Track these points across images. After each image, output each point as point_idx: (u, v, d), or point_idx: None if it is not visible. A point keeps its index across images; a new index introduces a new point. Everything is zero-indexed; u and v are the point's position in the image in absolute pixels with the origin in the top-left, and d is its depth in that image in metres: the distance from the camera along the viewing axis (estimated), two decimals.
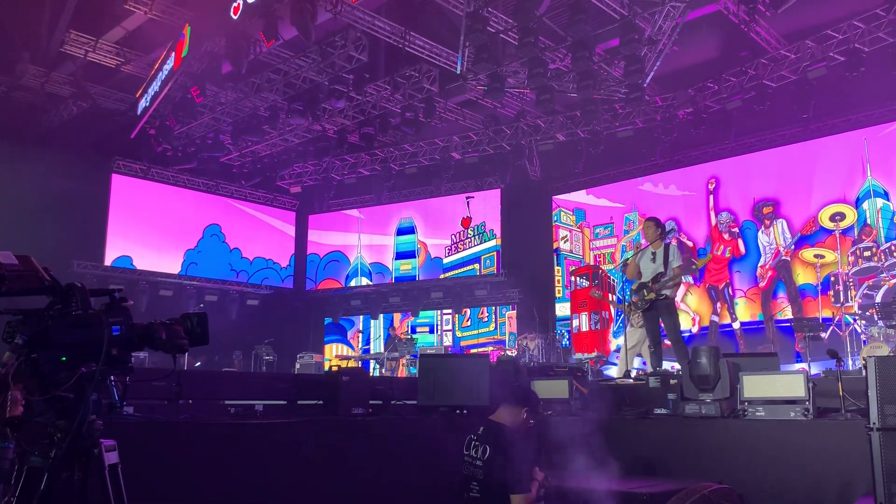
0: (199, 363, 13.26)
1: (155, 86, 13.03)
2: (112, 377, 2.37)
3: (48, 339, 2.16)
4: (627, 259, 8.61)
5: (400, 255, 18.44)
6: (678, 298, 8.75)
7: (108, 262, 15.77)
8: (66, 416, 2.21)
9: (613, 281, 14.61)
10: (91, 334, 2.23)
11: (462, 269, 17.49)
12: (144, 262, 16.33)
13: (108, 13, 12.64)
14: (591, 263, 15.67)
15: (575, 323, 13.45)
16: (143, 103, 13.53)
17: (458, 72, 12.57)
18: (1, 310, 2.16)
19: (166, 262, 16.79)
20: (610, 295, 13.50)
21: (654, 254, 8.03)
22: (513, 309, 16.67)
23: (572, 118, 14.96)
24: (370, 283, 18.64)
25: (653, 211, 14.70)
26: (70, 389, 2.20)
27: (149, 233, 16.54)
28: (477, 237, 17.49)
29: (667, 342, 8.14)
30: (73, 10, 12.40)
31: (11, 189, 13.45)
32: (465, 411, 6.49)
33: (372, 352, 17.21)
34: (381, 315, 18.18)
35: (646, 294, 7.91)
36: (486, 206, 17.42)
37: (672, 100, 14.10)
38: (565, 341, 14.83)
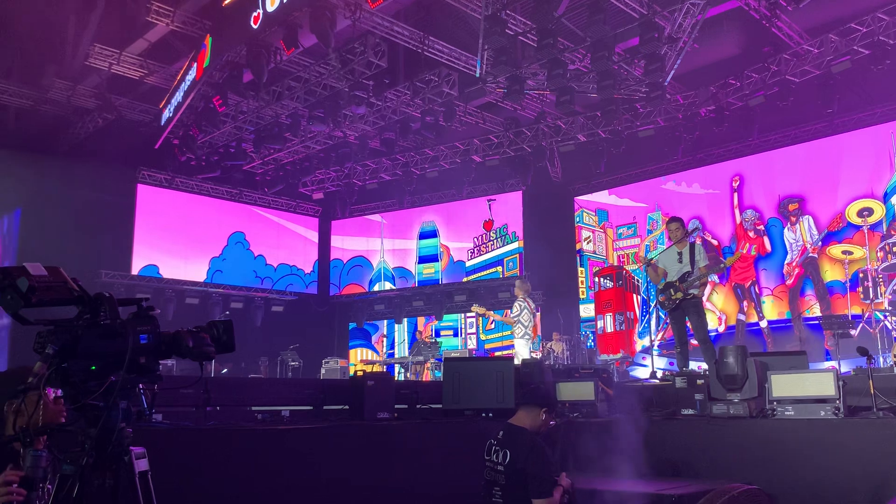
0: (225, 370, 13.39)
1: (178, 96, 13.20)
2: (141, 385, 2.40)
3: (78, 348, 2.20)
4: (651, 259, 8.56)
5: (423, 259, 18.47)
6: (703, 298, 8.69)
7: (135, 271, 15.97)
8: (97, 424, 2.25)
9: (637, 281, 14.50)
10: (119, 343, 2.26)
11: (485, 272, 17.48)
12: (170, 270, 16.51)
13: (130, 26, 12.84)
14: (615, 264, 15.58)
15: (599, 324, 13.37)
16: (166, 114, 13.71)
17: (478, 75, 12.58)
18: (32, 321, 2.20)
19: (192, 270, 16.97)
20: (635, 296, 13.39)
21: (679, 253, 7.97)
22: (537, 311, 16.60)
23: (593, 118, 14.90)
24: (393, 287, 18.69)
25: (676, 210, 14.59)
26: (100, 398, 2.23)
27: (174, 242, 16.73)
28: (499, 240, 17.48)
29: (693, 342, 8.07)
30: (97, 24, 12.61)
31: (40, 201, 13.69)
32: (490, 414, 6.48)
33: (396, 356, 17.25)
34: (405, 319, 18.21)
35: (672, 294, 7.85)
36: (508, 209, 17.40)
37: (694, 98, 13.99)
38: (590, 342, 14.75)
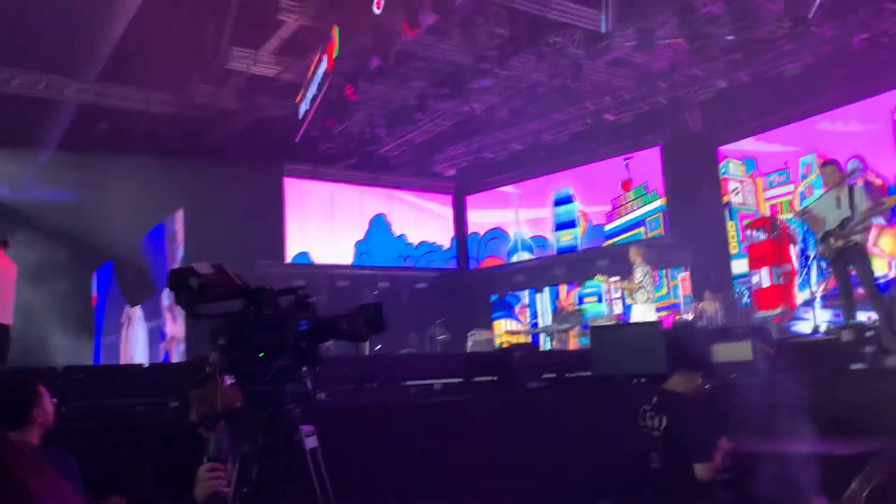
0: (378, 346, 13.95)
1: (312, 89, 13.74)
2: (304, 368, 2.57)
3: (246, 338, 2.38)
4: (805, 208, 8.02)
5: (560, 227, 18.27)
6: (869, 243, 8.04)
7: (288, 259, 16.91)
8: (268, 407, 2.43)
9: (794, 231, 13.62)
10: (282, 331, 2.43)
11: (626, 235, 17.03)
12: (321, 256, 17.36)
13: (263, 26, 13.47)
14: (767, 215, 14.68)
15: (755, 279, 12.67)
16: (303, 107, 14.31)
17: (603, 31, 12.17)
18: (204, 315, 2.40)
19: (340, 254, 17.75)
20: (792, 247, 12.59)
21: (837, 198, 7.42)
22: (685, 271, 16.02)
23: (732, 62, 14.01)
24: (532, 256, 18.64)
25: (832, 151, 13.49)
26: (269, 382, 2.41)
27: (321, 228, 17.54)
28: (639, 200, 16.94)
29: (860, 291, 7.50)
30: (233, 28, 13.33)
31: (198, 201, 14.75)
32: (642, 380, 6.36)
33: (540, 325, 17.24)
34: (546, 288, 18.14)
35: (832, 242, 7.33)
36: (646, 166, 16.81)
37: (844, 28, 12.81)
38: (745, 300, 14.05)
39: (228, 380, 2.91)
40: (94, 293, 20.31)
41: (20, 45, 13.35)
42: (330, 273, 17.27)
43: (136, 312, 17.80)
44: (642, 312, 11.25)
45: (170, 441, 2.90)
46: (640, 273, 11.23)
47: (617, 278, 12.10)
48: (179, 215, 15.91)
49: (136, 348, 17.71)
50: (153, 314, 16.98)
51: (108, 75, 13.88)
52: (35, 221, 15.56)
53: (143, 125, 16.22)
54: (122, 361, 17.95)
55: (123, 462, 3.49)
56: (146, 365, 12.83)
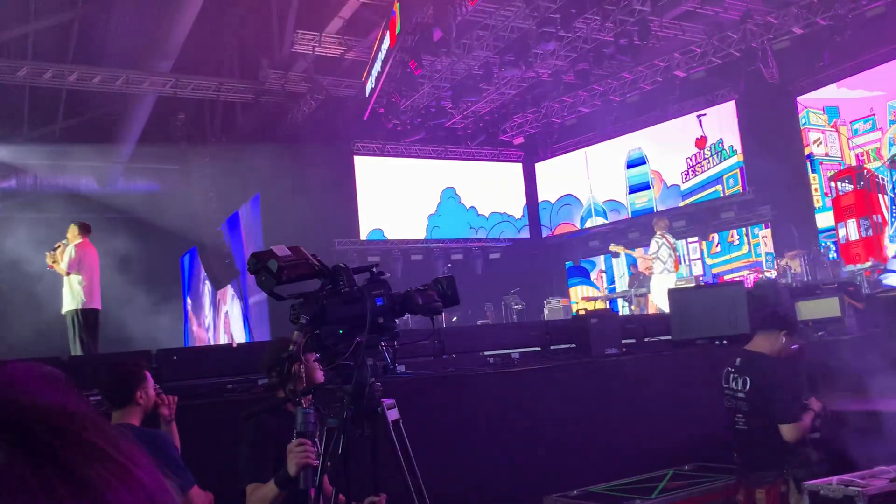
0: (455, 318, 14.09)
1: (377, 66, 13.83)
2: (383, 342, 2.65)
3: (326, 316, 2.47)
4: (895, 156, 7.61)
5: (633, 189, 17.91)
6: None
7: (363, 236, 17.19)
8: (351, 382, 2.52)
9: (883, 180, 12.96)
10: (359, 308, 2.51)
11: (703, 193, 16.56)
12: (394, 231, 17.58)
13: (325, 6, 13.61)
14: (853, 164, 14.01)
15: (841, 232, 12.18)
16: (369, 85, 14.44)
17: None
18: (285, 296, 2.50)
19: (412, 228, 17.93)
20: (881, 197, 12.01)
21: None
22: (766, 227, 15.49)
23: (809, 7, 13.34)
24: (605, 221, 18.36)
25: None
26: (350, 358, 2.50)
27: (393, 204, 17.73)
28: (715, 156, 16.42)
29: None
30: (297, 12, 13.52)
31: (273, 185, 15.12)
32: (724, 341, 6.23)
33: (618, 290, 17.03)
34: (633, 249, 17.84)
35: None
36: (721, 122, 16.24)
37: None
38: (832, 254, 13.50)
39: (312, 357, 3.04)
40: (182, 278, 21.21)
41: (97, 43, 13.95)
42: (403, 248, 17.48)
43: (229, 291, 18.49)
44: (659, 284, 11.27)
45: (260, 417, 3.04)
46: (654, 245, 11.35)
47: (622, 248, 12.26)
48: (257, 199, 16.38)
49: (229, 327, 18.41)
50: (239, 296, 17.60)
51: (181, 67, 14.34)
52: (123, 212, 16.34)
53: (218, 113, 16.75)
54: (212, 342, 18.73)
55: (218, 438, 3.68)
56: (234, 344, 13.37)
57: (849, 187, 12.18)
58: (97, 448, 0.43)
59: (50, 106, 15.62)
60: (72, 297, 8.09)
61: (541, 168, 19.77)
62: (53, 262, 8.13)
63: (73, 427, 0.44)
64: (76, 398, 0.49)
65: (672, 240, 11.55)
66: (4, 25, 12.47)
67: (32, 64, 13.35)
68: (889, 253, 12.04)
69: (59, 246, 8.24)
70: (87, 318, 8.09)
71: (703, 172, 16.59)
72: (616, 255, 15.43)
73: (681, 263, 12.79)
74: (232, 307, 18.21)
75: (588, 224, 18.77)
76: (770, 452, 4.10)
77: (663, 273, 11.31)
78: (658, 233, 11.50)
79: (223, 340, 18.11)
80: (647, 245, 16.49)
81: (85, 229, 8.34)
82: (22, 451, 0.41)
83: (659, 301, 11.57)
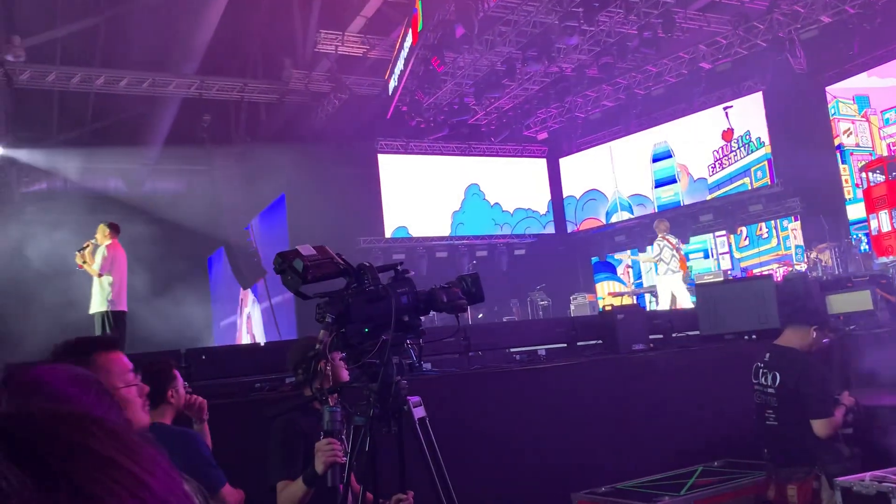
0: (481, 315, 14.07)
1: (399, 64, 13.85)
2: (408, 340, 2.65)
3: (351, 314, 2.48)
4: None
5: (660, 183, 17.74)
6: None
7: (387, 234, 17.24)
8: (377, 380, 2.53)
9: None
10: (384, 306, 2.51)
11: (731, 186, 16.36)
12: (418, 229, 17.60)
13: (347, 6, 13.66)
14: (885, 154, 13.74)
15: (873, 224, 11.96)
16: (392, 83, 14.46)
17: None
18: (310, 295, 2.51)
19: (437, 226, 17.93)
20: None
21: None
22: (795, 220, 15.27)
23: None
24: (632, 216, 18.22)
25: None
26: (376, 356, 2.51)
27: (417, 202, 17.75)
28: (742, 149, 16.21)
29: None
30: (319, 12, 13.58)
31: (298, 184, 15.22)
32: (753, 336, 6.16)
33: (645, 285, 16.89)
34: (648, 247, 17.70)
35: None
36: (748, 114, 16.03)
37: None
38: (864, 246, 13.27)
39: (337, 356, 3.05)
40: (209, 278, 21.44)
41: (123, 47, 14.12)
42: (428, 245, 17.50)
43: (250, 294, 18.66)
44: (663, 285, 11.92)
45: (289, 415, 3.06)
46: (656, 247, 11.90)
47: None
48: (282, 199, 16.50)
49: (251, 328, 18.59)
50: (265, 296, 17.75)
51: (206, 69, 14.48)
52: (151, 213, 16.54)
53: (243, 114, 16.90)
54: (240, 342, 18.92)
55: (246, 436, 3.71)
56: (262, 343, 13.49)
57: (880, 178, 11.95)
58: (109, 460, 0.43)
59: (78, 109, 15.86)
60: (101, 298, 8.19)
61: (565, 163, 19.66)
62: (84, 262, 8.19)
63: (87, 440, 0.43)
64: (105, 400, 0.49)
65: (674, 240, 11.93)
66: (33, 31, 12.68)
67: (60, 69, 13.56)
68: None
69: (87, 245, 8.29)
70: (116, 320, 8.19)
71: (730, 165, 16.40)
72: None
73: (688, 262, 13.06)
74: (253, 310, 18.40)
75: (614, 219, 18.64)
76: (801, 448, 4.04)
77: (667, 274, 11.71)
78: (659, 235, 11.92)
79: (245, 341, 18.29)
80: (679, 237, 16.46)
81: (115, 230, 8.40)
82: (31, 472, 0.40)
83: (664, 301, 11.73)
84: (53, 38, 13.33)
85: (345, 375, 3.21)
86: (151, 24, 13.50)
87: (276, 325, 16.58)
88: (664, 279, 11.87)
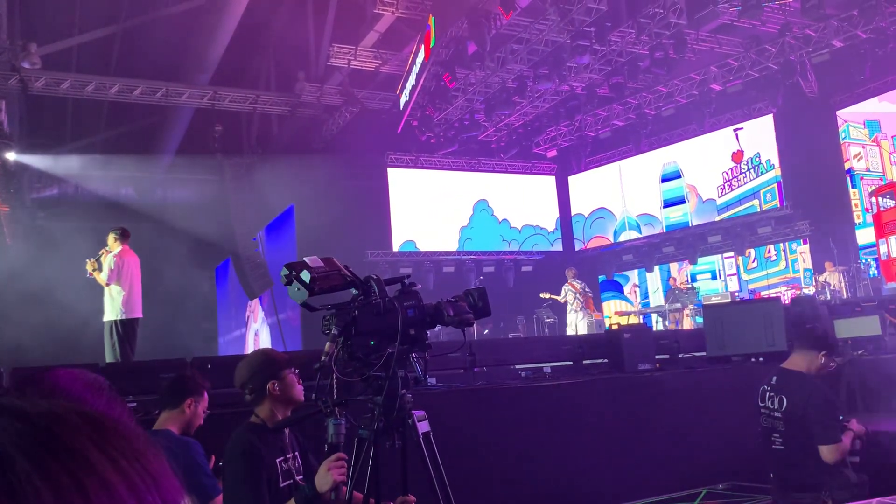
0: (486, 331, 14.04)
1: (411, 80, 13.92)
2: (414, 354, 2.64)
3: (357, 327, 2.48)
4: None
5: (668, 204, 17.72)
6: None
7: (395, 247, 17.26)
8: (382, 393, 2.52)
9: None
10: (391, 319, 2.51)
11: (740, 208, 16.34)
12: (426, 243, 17.61)
13: (361, 21, 13.75)
14: (895, 179, 13.71)
15: (882, 249, 11.93)
16: (403, 98, 14.53)
17: None
18: (317, 307, 2.51)
19: (445, 240, 17.95)
20: None
21: None
22: (804, 243, 15.22)
23: (849, 19, 13.12)
24: (640, 235, 18.19)
25: None
26: (381, 369, 2.50)
27: (426, 216, 17.78)
28: (752, 171, 16.19)
29: None
30: (333, 26, 13.68)
31: (307, 196, 15.26)
32: (760, 359, 6.12)
33: (651, 305, 16.84)
34: (657, 267, 17.67)
35: None
36: (758, 136, 16.04)
37: None
38: (873, 271, 13.21)
39: (290, 371, 3.02)
40: (216, 288, 21.48)
41: (138, 56, 14.25)
42: (436, 260, 17.50)
43: (259, 311, 18.68)
44: (571, 322, 13.81)
45: (245, 437, 2.94)
46: (563, 291, 13.86)
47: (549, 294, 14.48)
48: (291, 210, 16.55)
49: (258, 344, 18.58)
50: (272, 308, 17.77)
51: (219, 80, 14.59)
52: (160, 222, 16.61)
53: (255, 125, 17.00)
54: (242, 353, 18.92)
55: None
56: None
57: (890, 203, 11.93)
58: (110, 468, 0.43)
59: (92, 117, 15.99)
60: (112, 307, 8.17)
61: (574, 181, 19.68)
62: (94, 270, 8.16)
63: (90, 451, 0.44)
64: (117, 405, 0.50)
65: (579, 285, 13.89)
66: (50, 39, 12.82)
67: (75, 77, 13.69)
68: None
69: (102, 253, 8.24)
70: (126, 328, 8.16)
71: (739, 187, 16.38)
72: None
73: (594, 303, 15.18)
74: (262, 328, 18.42)
75: (622, 238, 18.62)
76: (808, 474, 3.99)
77: (573, 312, 13.72)
78: (568, 280, 13.91)
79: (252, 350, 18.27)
80: (684, 261, 16.50)
81: (124, 235, 8.27)
82: (36, 479, 0.41)
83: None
84: (69, 46, 13.46)
85: (299, 392, 3.04)
86: (167, 36, 13.63)
87: (282, 340, 16.58)
88: (570, 317, 13.87)
